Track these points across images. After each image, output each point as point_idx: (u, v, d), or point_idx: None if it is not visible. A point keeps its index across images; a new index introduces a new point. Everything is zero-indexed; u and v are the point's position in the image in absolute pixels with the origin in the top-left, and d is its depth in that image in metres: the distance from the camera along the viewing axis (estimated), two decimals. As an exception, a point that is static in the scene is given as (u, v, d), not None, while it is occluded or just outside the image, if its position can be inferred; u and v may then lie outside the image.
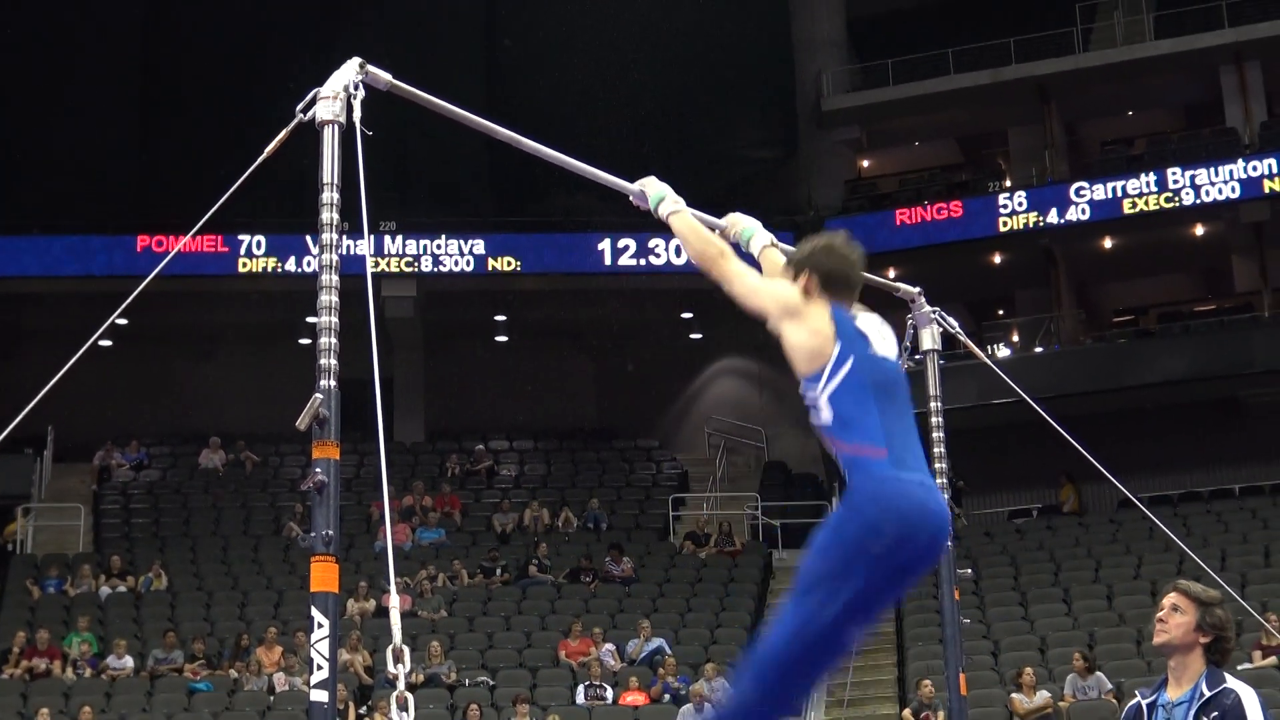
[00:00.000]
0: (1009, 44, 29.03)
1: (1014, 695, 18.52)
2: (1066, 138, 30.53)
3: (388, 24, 29.56)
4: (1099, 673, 18.55)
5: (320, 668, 3.97)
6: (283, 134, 4.39)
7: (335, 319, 4.14)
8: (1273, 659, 18.74)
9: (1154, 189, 26.72)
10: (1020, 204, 27.46)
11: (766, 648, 4.40)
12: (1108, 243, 28.41)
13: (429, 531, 24.89)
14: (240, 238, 26.95)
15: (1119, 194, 26.90)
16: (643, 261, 27.52)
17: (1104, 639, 20.56)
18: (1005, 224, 27.47)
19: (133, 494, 26.60)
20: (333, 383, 4.07)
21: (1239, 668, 17.13)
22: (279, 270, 27.13)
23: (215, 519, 25.75)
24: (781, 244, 5.30)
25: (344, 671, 19.05)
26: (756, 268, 4.98)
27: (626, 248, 27.42)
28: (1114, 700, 18.01)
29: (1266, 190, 26.30)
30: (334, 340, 4.12)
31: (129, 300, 4.78)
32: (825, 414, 4.47)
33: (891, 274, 24.78)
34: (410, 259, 27.44)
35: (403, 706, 4.82)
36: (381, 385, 4.38)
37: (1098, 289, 31.83)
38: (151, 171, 28.88)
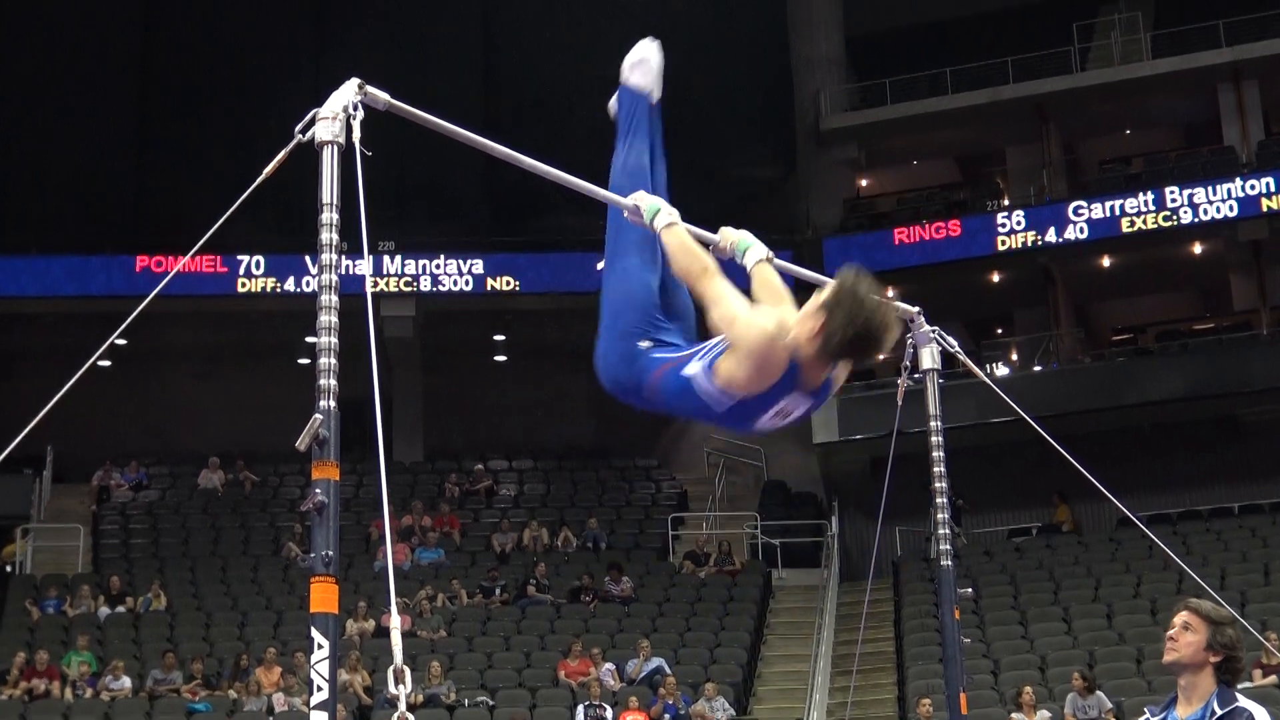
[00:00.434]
0: (1007, 63, 29.10)
1: (1014, 715, 18.49)
2: (1065, 157, 30.59)
3: (385, 39, 29.59)
4: (1099, 692, 18.51)
5: (320, 689, 3.96)
6: (281, 155, 4.39)
7: (335, 339, 4.13)
8: (1273, 678, 18.72)
9: (1152, 208, 26.76)
10: (1019, 223, 27.49)
11: None
12: (1106, 261, 28.43)
13: (428, 551, 24.87)
14: (239, 257, 26.95)
15: (1117, 213, 26.93)
16: (641, 281, 27.46)
17: (1104, 658, 20.53)
18: (1004, 243, 27.49)
19: (132, 514, 26.58)
20: (332, 403, 4.06)
21: (1239, 687, 17.09)
22: (278, 290, 27.14)
23: (214, 539, 25.73)
24: (781, 259, 5.30)
25: (343, 692, 19.02)
26: (746, 280, 4.98)
27: (625, 267, 27.37)
28: (1114, 719, 18.00)
29: (1264, 209, 26.32)
30: (334, 361, 4.11)
31: (129, 321, 4.77)
32: (699, 374, 4.72)
33: (890, 293, 24.75)
34: (409, 278, 27.46)
35: (403, 727, 4.80)
36: (381, 405, 4.38)
37: (1096, 307, 31.86)
38: (149, 191, 28.92)
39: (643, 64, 5.78)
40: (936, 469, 6.91)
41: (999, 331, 31.27)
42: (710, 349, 4.77)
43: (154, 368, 28.60)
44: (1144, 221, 26.78)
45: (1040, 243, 27.33)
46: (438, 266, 27.50)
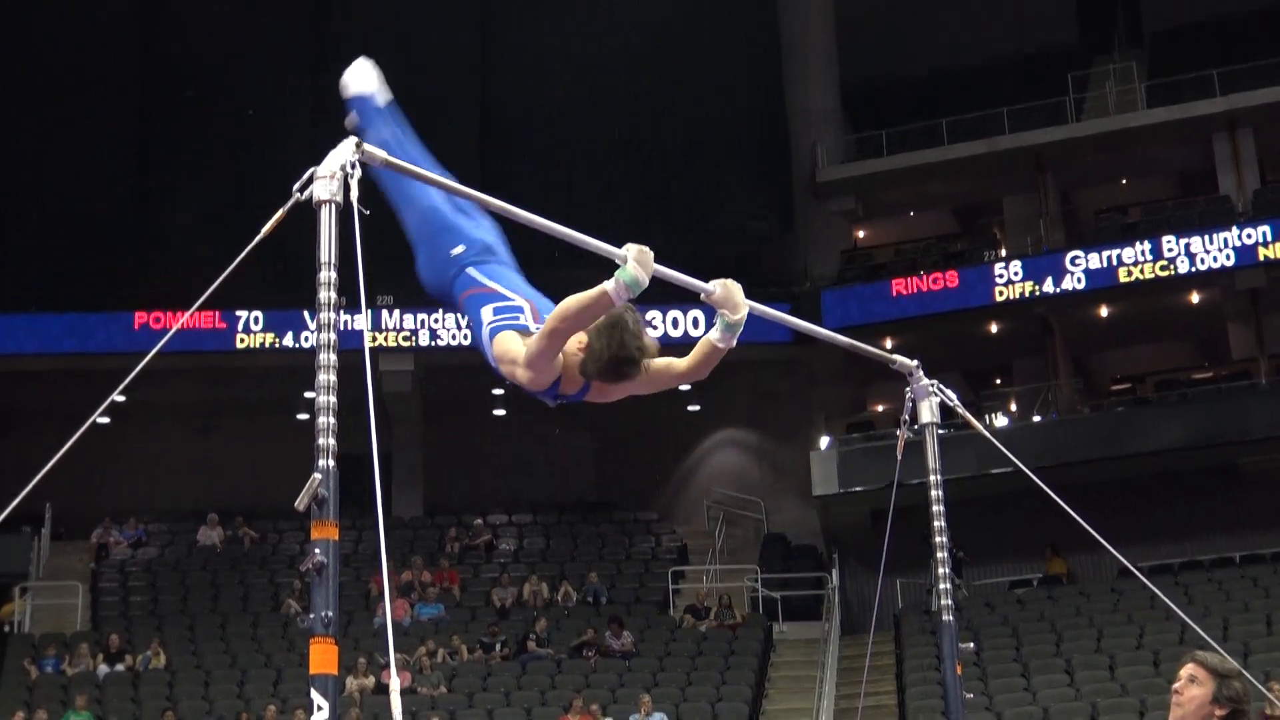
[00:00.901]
0: (1003, 114, 29.21)
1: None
2: (1061, 206, 30.66)
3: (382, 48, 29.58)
4: (1103, 743, 18.44)
5: (320, 748, 3.94)
6: (279, 214, 4.39)
7: (334, 398, 4.12)
8: (1277, 728, 18.63)
9: (1149, 257, 26.81)
10: (1016, 273, 27.54)
11: None
12: (1104, 311, 28.46)
13: (428, 607, 24.79)
14: (238, 313, 26.98)
15: (1114, 262, 26.98)
16: (639, 334, 27.45)
17: (1106, 710, 20.44)
18: (1001, 293, 27.53)
19: (131, 571, 26.50)
20: (331, 462, 4.05)
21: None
22: (276, 345, 27.14)
23: (214, 596, 25.64)
24: (778, 311, 5.30)
25: (343, 749, 18.90)
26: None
27: (623, 321, 27.36)
28: (1119, 771, 17.91)
29: (1261, 257, 26.38)
30: (332, 420, 4.10)
31: (129, 378, 4.76)
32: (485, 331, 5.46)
33: (888, 344, 24.81)
34: (408, 333, 27.47)
35: (402, 786, 4.77)
36: (380, 460, 4.36)
37: (1095, 357, 31.87)
38: (149, 246, 28.92)
39: (357, 75, 6.16)
40: (937, 522, 6.88)
41: (998, 382, 31.26)
42: (506, 310, 5.49)
43: (153, 424, 28.54)
44: (1141, 271, 26.83)
45: (1038, 293, 27.36)
46: (436, 320, 27.50)
